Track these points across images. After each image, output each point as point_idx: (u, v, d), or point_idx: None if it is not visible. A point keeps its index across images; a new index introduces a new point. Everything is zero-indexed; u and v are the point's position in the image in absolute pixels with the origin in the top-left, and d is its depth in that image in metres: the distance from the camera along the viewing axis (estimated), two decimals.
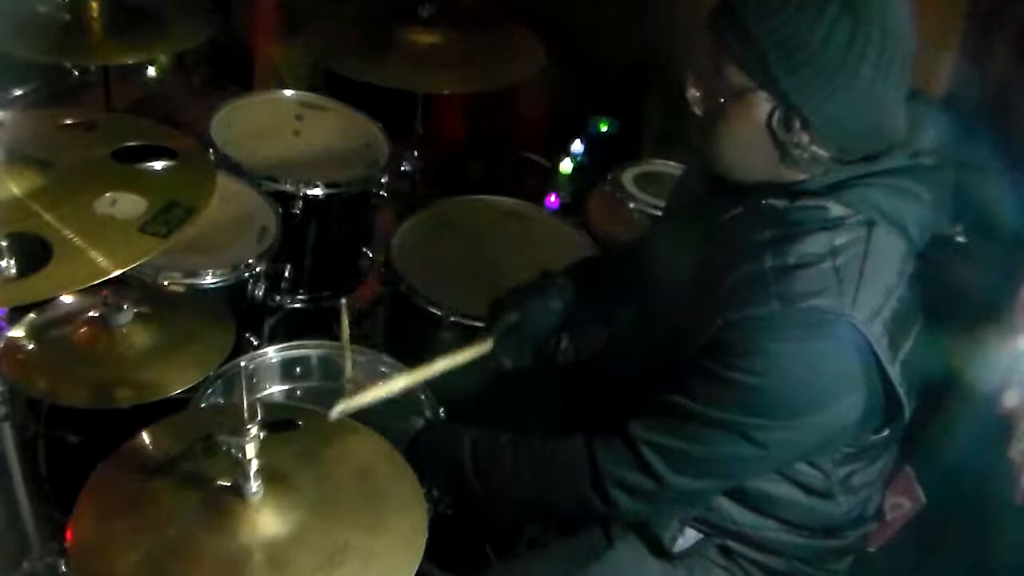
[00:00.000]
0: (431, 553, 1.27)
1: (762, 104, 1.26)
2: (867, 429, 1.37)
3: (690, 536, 1.49)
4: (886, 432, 1.39)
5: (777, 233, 1.29)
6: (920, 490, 1.70)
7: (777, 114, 1.25)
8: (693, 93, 1.33)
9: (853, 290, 1.24)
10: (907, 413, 1.34)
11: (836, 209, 1.28)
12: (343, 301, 1.71)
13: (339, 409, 1.45)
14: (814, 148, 1.26)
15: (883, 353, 1.26)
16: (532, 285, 1.75)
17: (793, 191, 1.30)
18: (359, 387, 1.50)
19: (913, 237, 1.32)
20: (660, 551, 1.51)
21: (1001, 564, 1.54)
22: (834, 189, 1.29)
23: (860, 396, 1.28)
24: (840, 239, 1.26)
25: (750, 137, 1.29)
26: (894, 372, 1.27)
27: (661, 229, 1.78)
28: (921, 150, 1.33)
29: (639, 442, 1.34)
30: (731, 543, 1.49)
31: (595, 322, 1.89)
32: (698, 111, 1.33)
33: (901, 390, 1.30)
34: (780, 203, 1.30)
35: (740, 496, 1.44)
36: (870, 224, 1.28)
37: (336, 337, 1.82)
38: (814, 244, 1.26)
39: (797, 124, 1.25)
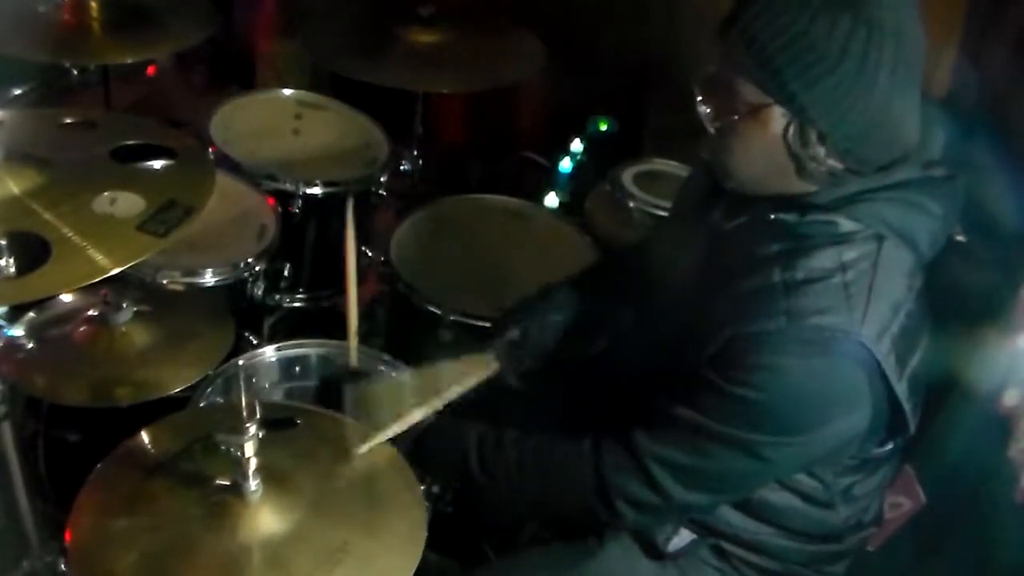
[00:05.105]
0: (430, 544, 1.27)
1: (777, 119, 1.24)
2: (871, 442, 1.36)
3: (684, 536, 1.48)
4: (890, 445, 1.39)
5: (786, 247, 1.28)
6: (920, 490, 1.70)
7: (793, 128, 1.24)
8: (704, 111, 1.30)
9: (862, 306, 1.23)
10: (912, 427, 1.33)
11: (845, 224, 1.26)
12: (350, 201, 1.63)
13: (365, 446, 1.39)
14: (830, 161, 1.24)
15: (891, 370, 1.25)
16: (532, 300, 1.74)
17: (803, 204, 1.28)
18: (376, 422, 1.44)
19: (923, 251, 1.30)
20: (653, 551, 1.50)
21: (1001, 564, 1.54)
22: (844, 203, 1.27)
23: (866, 412, 1.28)
24: (849, 254, 1.25)
25: (765, 152, 1.27)
26: (901, 388, 1.27)
27: (665, 232, 1.77)
28: (932, 160, 1.32)
29: (646, 456, 1.33)
30: (725, 544, 1.48)
31: (597, 325, 1.88)
32: (710, 128, 1.31)
33: (907, 406, 1.29)
34: (789, 217, 1.28)
35: (739, 502, 1.43)
36: (879, 239, 1.26)
37: (336, 337, 1.81)
38: (823, 259, 1.25)
39: (813, 137, 1.23)
